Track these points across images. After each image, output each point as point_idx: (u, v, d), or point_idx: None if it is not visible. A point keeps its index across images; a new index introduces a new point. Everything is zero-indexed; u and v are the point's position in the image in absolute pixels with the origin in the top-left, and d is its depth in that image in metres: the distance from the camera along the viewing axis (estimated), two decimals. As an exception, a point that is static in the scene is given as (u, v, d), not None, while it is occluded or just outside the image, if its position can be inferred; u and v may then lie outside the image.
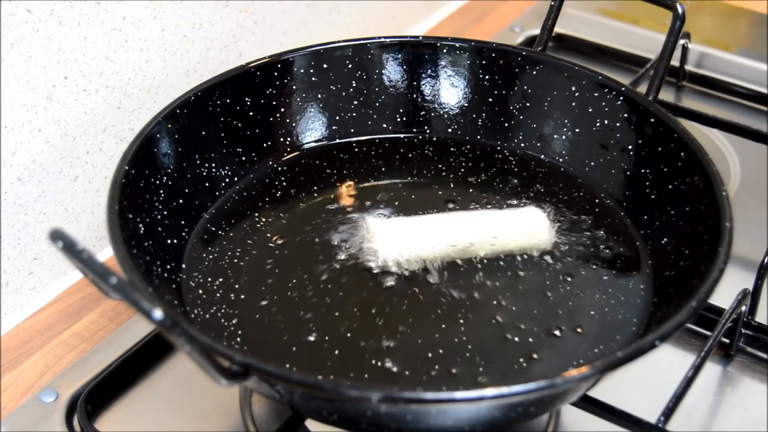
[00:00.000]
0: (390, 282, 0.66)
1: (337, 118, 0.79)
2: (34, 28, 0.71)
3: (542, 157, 0.78)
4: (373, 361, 0.61)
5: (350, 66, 0.79)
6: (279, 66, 0.76)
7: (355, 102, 0.79)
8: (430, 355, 0.61)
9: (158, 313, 0.47)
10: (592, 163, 0.75)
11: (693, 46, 1.01)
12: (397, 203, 0.74)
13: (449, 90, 0.80)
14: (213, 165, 0.73)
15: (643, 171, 0.72)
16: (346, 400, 0.53)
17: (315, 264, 0.68)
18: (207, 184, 0.73)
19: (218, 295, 0.66)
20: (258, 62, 0.75)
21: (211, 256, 0.69)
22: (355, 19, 1.03)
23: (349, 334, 0.63)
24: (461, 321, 0.64)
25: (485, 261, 0.68)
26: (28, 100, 0.72)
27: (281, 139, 0.78)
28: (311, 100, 0.78)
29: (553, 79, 0.77)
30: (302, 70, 0.77)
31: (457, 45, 0.79)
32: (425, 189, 0.75)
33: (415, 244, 0.69)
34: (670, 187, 0.69)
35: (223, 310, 0.64)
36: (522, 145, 0.79)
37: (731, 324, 0.71)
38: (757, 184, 0.89)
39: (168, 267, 0.66)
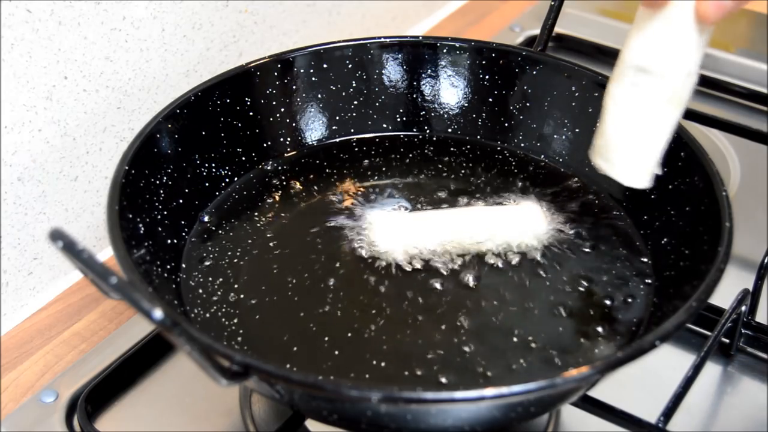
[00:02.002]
0: (390, 281, 0.66)
1: (337, 117, 0.79)
2: (34, 28, 0.71)
3: (542, 157, 0.78)
4: (374, 362, 0.61)
5: (350, 66, 0.79)
6: (279, 66, 0.76)
7: (355, 102, 0.79)
8: (430, 355, 0.61)
9: (158, 313, 0.47)
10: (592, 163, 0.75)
11: (693, 46, 1.00)
12: (396, 202, 0.74)
13: (449, 90, 0.80)
14: (213, 165, 0.73)
15: (643, 171, 0.72)
16: (346, 400, 0.53)
17: (315, 263, 0.68)
18: (207, 184, 0.73)
19: (218, 294, 0.66)
20: (258, 62, 0.75)
21: (211, 256, 0.69)
22: (355, 19, 1.03)
23: (349, 334, 0.63)
24: (461, 321, 0.64)
25: (485, 259, 0.68)
26: (28, 100, 0.72)
27: (281, 139, 0.78)
28: (311, 100, 0.78)
29: (553, 79, 0.77)
30: (302, 70, 0.77)
31: (457, 45, 0.79)
32: (425, 188, 0.75)
33: (416, 242, 0.69)
34: (670, 187, 0.69)
35: (223, 310, 0.64)
36: (522, 145, 0.79)
37: (731, 324, 0.71)
38: (757, 184, 0.89)
39: (168, 267, 0.66)
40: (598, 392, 0.61)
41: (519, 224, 0.71)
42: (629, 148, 0.64)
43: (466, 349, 0.62)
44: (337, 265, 0.68)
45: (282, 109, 0.77)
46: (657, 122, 0.62)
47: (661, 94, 0.61)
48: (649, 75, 0.61)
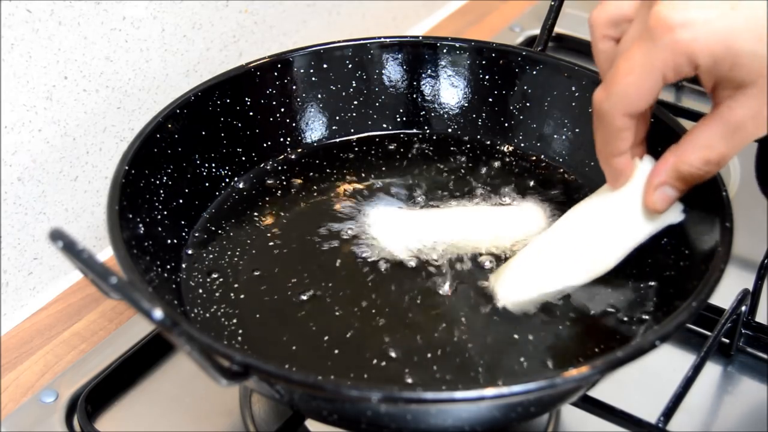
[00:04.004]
0: (390, 281, 0.66)
1: (337, 117, 0.79)
2: (34, 28, 0.71)
3: (542, 156, 0.78)
4: (374, 361, 0.61)
5: (350, 66, 0.79)
6: (279, 66, 0.76)
7: (355, 102, 0.79)
8: (429, 354, 0.61)
9: (158, 313, 0.47)
10: (592, 163, 0.75)
11: (693, 46, 1.00)
12: (397, 202, 0.74)
13: (449, 90, 0.80)
14: (213, 165, 0.73)
15: (643, 171, 0.72)
16: (346, 400, 0.53)
17: (315, 263, 0.68)
18: (207, 184, 0.73)
19: (218, 294, 0.66)
20: (258, 62, 0.76)
21: (211, 256, 0.69)
22: (355, 19, 1.03)
23: (349, 334, 0.63)
24: (462, 320, 0.64)
25: (485, 258, 0.68)
26: (28, 100, 0.72)
27: (281, 139, 0.78)
28: (311, 100, 0.78)
29: (553, 79, 0.77)
30: (302, 70, 0.77)
31: (457, 45, 0.79)
32: (425, 188, 0.75)
33: (416, 242, 0.69)
34: (670, 187, 0.69)
35: (223, 309, 0.64)
36: (522, 145, 0.79)
37: (731, 324, 0.71)
38: (757, 184, 0.89)
39: (168, 267, 0.66)
40: (598, 392, 0.61)
41: (519, 224, 0.71)
42: (517, 273, 0.65)
43: (466, 348, 0.62)
44: (338, 264, 0.68)
45: (282, 109, 0.77)
46: (553, 274, 0.64)
47: (569, 254, 0.64)
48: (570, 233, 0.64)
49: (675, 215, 0.63)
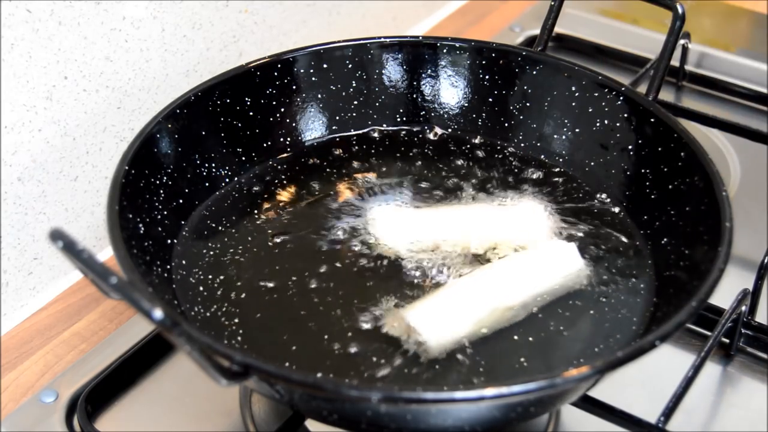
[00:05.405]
0: (391, 280, 0.66)
1: (337, 117, 0.79)
2: (34, 28, 0.71)
3: (542, 156, 0.78)
4: (373, 359, 0.61)
5: (350, 66, 0.79)
6: (279, 66, 0.76)
7: (355, 102, 0.79)
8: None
9: (158, 313, 0.47)
10: (592, 163, 0.75)
11: (693, 46, 1.01)
12: (397, 201, 0.74)
13: (449, 90, 0.80)
14: (213, 165, 0.73)
15: (643, 171, 0.72)
16: (346, 400, 0.53)
17: (316, 262, 0.68)
18: (207, 184, 0.73)
19: (219, 293, 0.66)
20: (258, 62, 0.76)
21: (211, 254, 0.69)
22: (355, 19, 1.03)
23: (350, 333, 0.63)
24: (461, 321, 0.64)
25: (486, 257, 0.68)
26: (28, 100, 0.72)
27: (281, 139, 0.78)
28: (311, 100, 0.78)
29: (553, 79, 0.77)
30: (302, 70, 0.77)
31: (457, 45, 0.79)
32: (425, 188, 0.75)
33: (417, 240, 0.69)
34: (670, 187, 0.69)
35: (224, 308, 0.64)
36: (522, 144, 0.79)
37: (731, 324, 0.71)
38: (757, 184, 0.89)
39: (168, 266, 0.66)
40: (598, 392, 0.61)
41: (519, 224, 0.71)
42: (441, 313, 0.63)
43: (467, 347, 0.62)
44: (338, 264, 0.68)
45: (282, 109, 0.77)
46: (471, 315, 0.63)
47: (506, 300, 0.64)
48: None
49: (578, 283, 0.66)
